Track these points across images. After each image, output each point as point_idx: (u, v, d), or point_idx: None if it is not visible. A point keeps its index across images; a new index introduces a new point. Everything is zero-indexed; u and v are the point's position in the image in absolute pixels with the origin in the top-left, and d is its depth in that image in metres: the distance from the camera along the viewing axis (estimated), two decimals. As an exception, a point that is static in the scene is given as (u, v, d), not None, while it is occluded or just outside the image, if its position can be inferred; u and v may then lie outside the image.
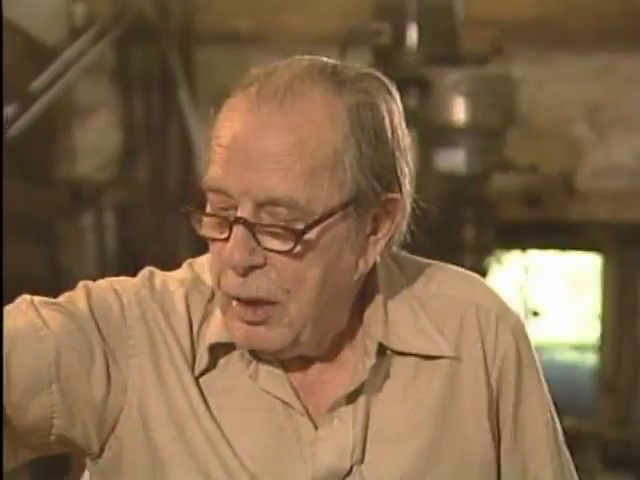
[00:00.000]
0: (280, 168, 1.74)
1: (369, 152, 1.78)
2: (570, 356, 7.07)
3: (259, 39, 6.45)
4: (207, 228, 1.82)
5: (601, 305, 7.13)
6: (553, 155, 6.47)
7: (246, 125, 1.77)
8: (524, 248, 6.94)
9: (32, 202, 6.38)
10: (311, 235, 1.77)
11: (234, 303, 1.81)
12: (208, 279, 1.96)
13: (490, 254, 5.86)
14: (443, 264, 2.06)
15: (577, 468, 5.59)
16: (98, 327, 1.90)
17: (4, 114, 3.77)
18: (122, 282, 1.98)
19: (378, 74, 1.85)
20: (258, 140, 1.75)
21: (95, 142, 6.85)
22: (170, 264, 2.05)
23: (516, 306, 2.15)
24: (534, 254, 7.07)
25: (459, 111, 5.39)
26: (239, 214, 1.76)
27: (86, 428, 1.92)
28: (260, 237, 1.76)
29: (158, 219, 6.73)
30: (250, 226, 1.76)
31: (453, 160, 5.27)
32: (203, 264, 1.99)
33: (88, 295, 1.94)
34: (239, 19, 6.65)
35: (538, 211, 6.50)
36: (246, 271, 1.76)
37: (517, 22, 6.32)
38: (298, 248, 1.76)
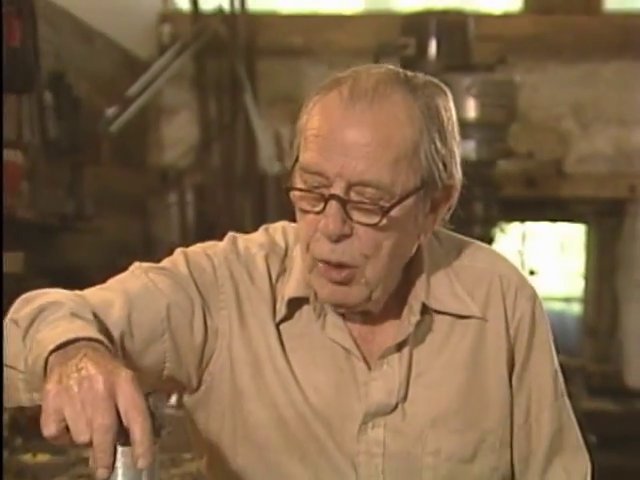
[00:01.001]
0: (371, 156, 1.74)
1: (438, 146, 1.79)
2: (559, 306, 7.03)
3: (309, 52, 6.43)
4: (302, 202, 1.82)
5: (585, 265, 7.10)
6: (546, 145, 6.45)
7: (342, 119, 1.76)
8: (522, 220, 6.90)
9: (129, 183, 6.39)
10: (392, 212, 1.77)
11: (321, 265, 1.82)
12: (281, 241, 1.99)
13: (495, 225, 5.84)
14: (474, 241, 2.07)
15: (567, 397, 5.54)
16: (196, 286, 1.92)
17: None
18: (213, 247, 1.99)
19: (437, 81, 1.86)
20: (352, 132, 1.75)
21: (178, 135, 6.85)
22: (237, 231, 2.06)
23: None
24: (530, 225, 7.03)
25: (470, 109, 5.37)
26: (333, 192, 1.76)
27: (188, 368, 1.93)
28: (350, 211, 1.77)
29: (228, 197, 6.74)
30: (343, 202, 1.76)
31: (465, 149, 5.21)
32: (276, 228, 2.01)
33: (186, 260, 1.95)
34: (293, 36, 6.62)
35: (534, 190, 6.50)
36: (337, 239, 1.77)
37: (518, 38, 6.29)
38: (382, 222, 1.77)
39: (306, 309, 1.95)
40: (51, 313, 1.70)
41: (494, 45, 5.85)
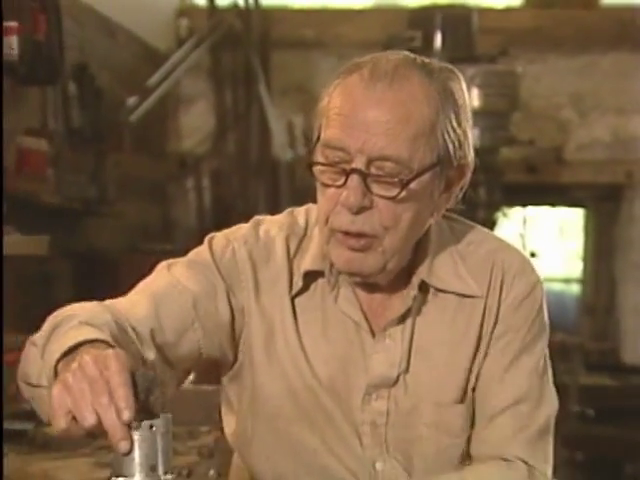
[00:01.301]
0: (390, 133, 1.76)
1: (454, 125, 1.82)
2: (559, 286, 7.03)
3: (320, 45, 6.43)
4: (323, 176, 1.84)
5: (583, 248, 7.10)
6: (546, 132, 6.45)
7: (363, 98, 1.78)
8: (524, 205, 6.90)
9: (149, 170, 6.41)
10: (411, 186, 1.79)
11: (340, 235, 1.83)
12: (302, 221, 2.02)
13: (497, 209, 5.85)
14: (484, 229, 2.08)
15: (566, 372, 5.60)
16: (219, 271, 1.96)
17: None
18: (235, 232, 2.03)
19: (451, 67, 1.88)
20: (374, 110, 1.77)
21: (195, 124, 6.87)
22: (251, 215, 2.08)
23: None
24: (531, 209, 7.02)
25: (474, 98, 5.37)
26: (354, 166, 1.78)
27: (223, 348, 1.98)
28: (370, 185, 1.79)
29: (242, 182, 6.72)
30: (364, 175, 1.78)
31: (470, 137, 5.24)
32: (300, 210, 2.04)
33: (210, 247, 2.00)
34: (305, 29, 6.62)
35: (534, 176, 6.50)
36: (357, 211, 1.79)
37: (519, 30, 6.29)
38: (401, 195, 1.79)
39: (321, 282, 1.97)
40: (63, 327, 1.72)
41: (497, 37, 5.85)
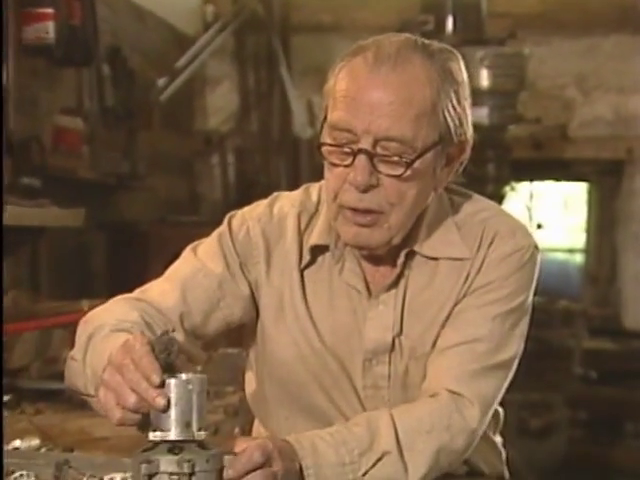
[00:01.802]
0: (395, 114, 1.76)
1: (454, 104, 1.81)
2: (564, 257, 7.01)
3: (337, 29, 6.41)
4: (332, 157, 1.83)
5: (586, 220, 7.08)
6: (552, 111, 6.42)
7: (368, 81, 1.78)
8: (530, 179, 6.89)
9: (177, 146, 6.42)
10: (415, 165, 1.79)
11: (348, 212, 1.83)
12: (315, 198, 2.02)
13: (506, 184, 5.84)
14: (483, 199, 2.06)
15: (570, 337, 5.60)
16: (235, 248, 1.99)
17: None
18: (252, 211, 2.04)
19: (450, 47, 1.88)
20: (379, 92, 1.77)
21: (220, 104, 6.86)
22: (273, 189, 2.11)
23: (525, 221, 2.12)
24: (537, 184, 7.00)
25: (483, 79, 5.36)
26: (361, 146, 1.78)
27: (245, 317, 2.01)
28: (376, 164, 1.79)
29: (264, 158, 6.75)
30: (370, 155, 1.78)
31: (479, 115, 5.24)
32: (315, 187, 2.04)
33: (229, 226, 2.02)
34: (323, 14, 6.62)
35: (540, 152, 6.48)
36: (365, 189, 1.78)
37: (526, 15, 6.25)
38: (406, 173, 1.79)
39: (327, 256, 1.98)
40: (96, 338, 1.76)
41: (505, 21, 5.82)
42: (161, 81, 5.66)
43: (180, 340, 1.84)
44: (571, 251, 7.13)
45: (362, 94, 1.78)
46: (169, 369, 1.53)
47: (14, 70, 4.17)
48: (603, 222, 6.90)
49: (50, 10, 4.23)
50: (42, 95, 4.57)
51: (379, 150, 1.78)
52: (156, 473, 1.49)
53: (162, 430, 1.51)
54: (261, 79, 6.85)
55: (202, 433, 1.52)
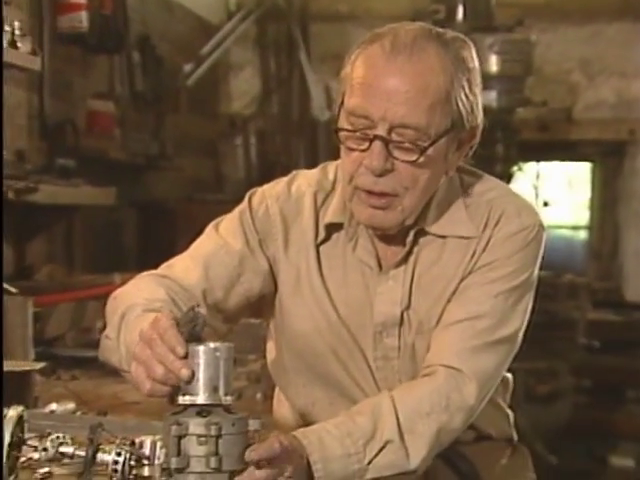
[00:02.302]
0: (410, 102, 1.74)
1: (466, 92, 1.79)
2: (568, 233, 7.00)
3: (353, 18, 6.39)
4: (348, 141, 1.81)
5: (590, 198, 7.06)
6: (557, 94, 6.39)
7: (385, 69, 1.76)
8: (537, 160, 6.86)
9: (203, 129, 6.42)
10: (429, 151, 1.77)
11: (363, 194, 1.82)
12: (332, 177, 2.00)
13: (513, 164, 5.81)
14: (493, 179, 2.02)
15: (574, 308, 5.56)
16: (255, 226, 1.98)
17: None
18: (271, 189, 2.03)
19: (463, 36, 1.85)
20: (395, 80, 1.74)
21: (243, 88, 6.86)
22: (292, 169, 2.09)
23: (532, 199, 2.10)
24: (543, 164, 6.98)
25: (492, 64, 5.33)
26: (377, 133, 1.76)
27: (265, 291, 2.01)
28: (391, 150, 1.76)
29: (285, 140, 6.76)
30: (386, 142, 1.76)
31: (488, 98, 5.22)
32: (332, 166, 2.02)
33: (249, 203, 2.01)
34: (339, 4, 6.60)
35: (546, 134, 6.46)
36: (380, 173, 1.77)
37: (533, 3, 6.22)
38: (420, 159, 1.77)
39: (342, 234, 1.96)
40: (128, 317, 1.77)
41: (513, 9, 5.79)
42: (187, 67, 5.66)
43: (205, 314, 1.89)
44: (575, 228, 7.11)
45: (379, 82, 1.76)
46: (194, 339, 1.55)
47: (49, 57, 4.18)
48: (606, 200, 6.88)
49: (83, 0, 4.25)
50: (76, 81, 4.58)
51: (394, 136, 1.76)
52: (185, 435, 1.50)
53: (191, 394, 1.52)
54: (281, 65, 6.84)
55: (229, 398, 1.53)
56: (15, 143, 3.95)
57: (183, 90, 5.71)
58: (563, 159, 7.08)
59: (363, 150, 1.79)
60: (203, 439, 1.50)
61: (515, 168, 5.84)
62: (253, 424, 1.56)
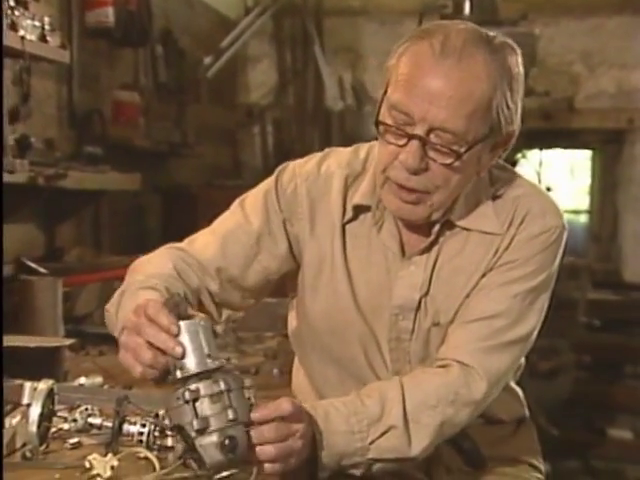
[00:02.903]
0: (452, 107, 1.69)
1: (508, 100, 1.74)
2: (570, 217, 6.97)
3: (365, 13, 6.37)
4: (387, 135, 1.77)
5: (590, 184, 7.04)
6: (559, 85, 6.37)
7: (432, 70, 1.70)
8: (540, 147, 6.83)
9: (222, 118, 6.42)
10: (464, 156, 1.73)
11: (394, 187, 1.79)
12: (363, 158, 1.96)
13: (518, 151, 5.81)
14: (521, 176, 1.97)
15: (575, 289, 5.50)
16: (279, 203, 1.96)
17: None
18: (302, 167, 2.00)
19: (511, 42, 1.79)
20: (440, 83, 1.69)
21: (260, 80, 6.85)
22: (305, 154, 2.05)
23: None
24: (546, 151, 6.96)
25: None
26: (416, 132, 1.72)
27: (284, 270, 2.00)
28: (427, 151, 1.72)
29: (300, 129, 6.73)
30: (423, 142, 1.72)
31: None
32: (365, 146, 1.99)
33: (278, 179, 1.99)
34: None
35: (549, 123, 6.41)
36: (414, 172, 1.74)
37: (537, -2, 6.22)
38: (455, 164, 1.74)
39: (368, 216, 1.94)
40: (127, 294, 1.79)
41: (517, 4, 5.75)
42: (207, 60, 5.65)
43: (214, 289, 1.91)
44: (576, 212, 7.09)
45: (424, 82, 1.70)
46: (181, 318, 1.57)
47: (78, 50, 4.18)
48: (605, 186, 6.86)
49: (109, -3, 4.26)
50: (103, 72, 4.58)
51: (432, 138, 1.72)
52: (197, 398, 1.52)
53: (185, 367, 1.54)
54: (297, 57, 6.81)
55: (217, 362, 1.55)
56: (45, 132, 3.96)
57: (203, 81, 5.71)
58: (565, 146, 7.05)
59: (400, 145, 1.76)
60: (216, 397, 1.52)
61: (519, 155, 5.84)
62: (247, 381, 1.60)
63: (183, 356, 1.54)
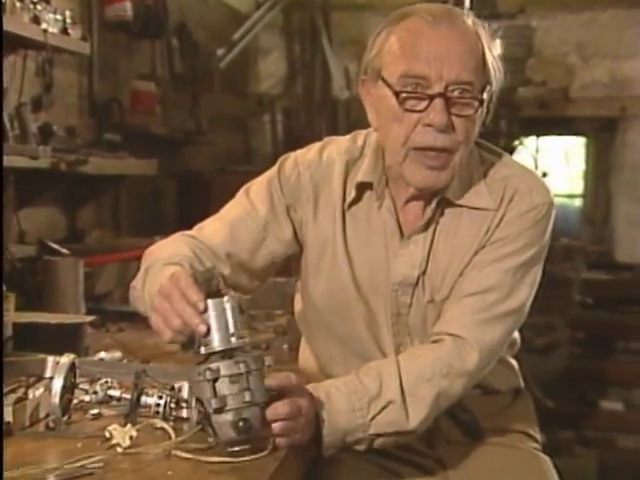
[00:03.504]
0: (463, 61, 1.73)
1: (495, 58, 1.77)
2: (565, 201, 6.97)
3: (369, 7, 6.32)
4: (406, 103, 1.76)
5: (584, 169, 7.02)
6: (555, 75, 6.35)
7: (433, 35, 1.73)
8: (537, 134, 6.81)
9: (234, 107, 6.40)
10: (483, 103, 1.77)
11: (420, 155, 1.77)
12: (361, 143, 1.96)
13: (516, 138, 5.77)
14: (508, 156, 1.98)
15: (570, 269, 5.49)
16: (282, 190, 1.97)
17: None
18: (304, 155, 2.00)
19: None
20: (446, 43, 1.73)
21: (271, 70, 6.83)
22: (314, 142, 2.05)
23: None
24: (543, 138, 6.94)
25: (497, 47, 5.29)
26: (438, 91, 1.73)
27: (289, 253, 2.01)
28: (450, 107, 1.73)
29: (308, 117, 6.71)
30: (446, 98, 1.73)
31: (493, 79, 5.17)
32: (362, 133, 1.99)
33: (281, 168, 2.00)
34: (358, -7, 6.58)
35: (545, 111, 6.41)
36: (444, 129, 1.73)
37: (534, -7, 6.19)
38: (476, 113, 1.76)
39: (369, 194, 1.94)
40: (151, 270, 1.80)
41: (515, -1, 5.75)
42: (220, 51, 5.64)
43: (226, 273, 1.90)
44: (571, 196, 7.07)
45: (430, 46, 1.73)
46: (211, 296, 1.57)
47: (98, 43, 4.18)
48: (599, 171, 6.84)
49: (128, -8, 4.27)
50: (121, 64, 4.58)
51: (451, 94, 1.74)
52: (218, 378, 1.52)
53: (209, 344, 1.54)
54: (305, 49, 6.79)
55: (241, 340, 1.55)
56: (67, 120, 3.97)
57: (216, 72, 5.70)
58: (560, 134, 7.02)
59: (420, 110, 1.75)
60: (235, 378, 1.52)
61: (517, 142, 5.81)
62: (268, 360, 1.59)
63: (208, 333, 1.54)
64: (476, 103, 1.75)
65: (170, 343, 1.61)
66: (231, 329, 1.55)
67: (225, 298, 1.57)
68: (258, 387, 1.56)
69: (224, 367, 1.53)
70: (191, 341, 1.57)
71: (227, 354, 1.54)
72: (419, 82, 1.74)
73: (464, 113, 1.75)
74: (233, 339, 1.55)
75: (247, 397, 1.53)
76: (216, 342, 1.54)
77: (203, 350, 1.55)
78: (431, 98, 1.73)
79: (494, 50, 1.81)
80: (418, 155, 1.79)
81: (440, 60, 1.72)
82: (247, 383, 1.54)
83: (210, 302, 1.55)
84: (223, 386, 1.53)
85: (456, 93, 1.74)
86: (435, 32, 1.74)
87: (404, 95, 1.76)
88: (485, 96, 1.78)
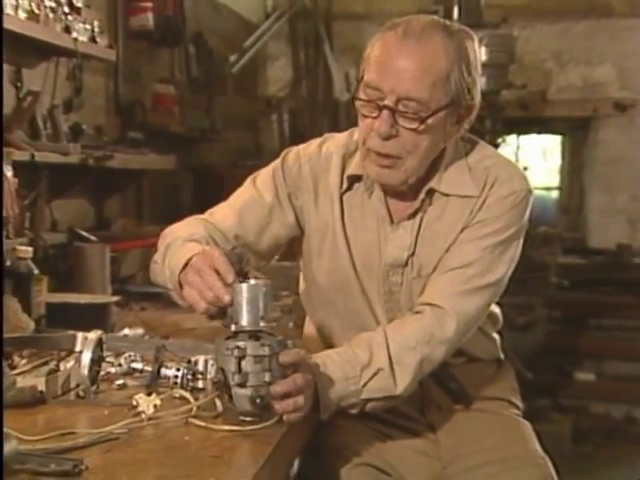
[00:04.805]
0: (416, 79, 1.71)
1: (464, 75, 1.75)
2: (542, 193, 6.97)
3: (368, 17, 6.29)
4: (363, 109, 1.79)
5: (560, 164, 7.00)
6: (535, 79, 6.32)
7: (397, 51, 1.73)
8: (518, 133, 6.80)
9: (245, 108, 6.38)
10: (428, 121, 1.75)
11: (373, 155, 1.80)
12: (356, 139, 1.95)
13: (499, 136, 5.76)
14: (490, 147, 1.99)
15: (548, 254, 5.44)
16: (285, 179, 1.98)
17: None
18: (305, 149, 2.01)
19: (468, 30, 1.81)
20: (404, 60, 1.72)
21: (278, 75, 6.81)
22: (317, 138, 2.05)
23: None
24: (523, 136, 6.93)
25: (482, 54, 5.23)
26: (386, 103, 1.74)
27: (292, 237, 2.02)
28: (397, 118, 1.74)
29: (312, 117, 6.68)
30: (392, 111, 1.74)
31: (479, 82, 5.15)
32: (356, 130, 1.96)
33: (284, 160, 2.01)
34: (357, 6, 6.53)
35: (526, 112, 6.40)
36: (386, 137, 1.75)
37: (516, 5, 6.14)
38: (420, 127, 1.75)
39: (361, 185, 1.95)
40: (173, 246, 1.80)
41: (499, 10, 5.71)
42: (233, 57, 5.62)
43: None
44: (548, 189, 7.06)
45: (391, 61, 1.74)
46: (241, 275, 1.57)
47: (123, 50, 4.17)
48: (574, 166, 6.83)
49: (150, 4, 4.27)
50: (144, 69, 4.57)
51: (400, 107, 1.74)
52: (244, 356, 1.52)
53: (238, 323, 1.54)
54: (309, 56, 6.76)
55: (269, 324, 1.55)
56: (95, 120, 3.96)
57: (229, 76, 5.68)
58: (539, 132, 7.00)
59: (374, 117, 1.77)
60: (259, 358, 1.52)
61: (500, 140, 5.80)
62: (290, 344, 1.60)
63: (230, 305, 1.53)
64: (419, 119, 1.74)
65: (203, 313, 1.60)
66: (261, 312, 1.55)
67: (262, 282, 1.56)
68: (278, 369, 1.55)
69: (251, 347, 1.53)
70: (223, 312, 1.57)
71: (254, 335, 1.54)
72: (375, 93, 1.76)
73: (409, 126, 1.76)
74: (262, 322, 1.55)
75: (267, 377, 1.54)
76: (246, 322, 1.54)
77: (233, 327, 1.55)
78: (380, 109, 1.75)
79: (470, 66, 1.78)
80: (371, 155, 1.82)
81: (395, 75, 1.73)
82: (269, 365, 1.54)
83: (245, 286, 1.55)
84: (247, 364, 1.53)
85: (401, 107, 1.74)
86: (400, 48, 1.74)
87: (359, 102, 1.80)
88: (442, 114, 1.77)
